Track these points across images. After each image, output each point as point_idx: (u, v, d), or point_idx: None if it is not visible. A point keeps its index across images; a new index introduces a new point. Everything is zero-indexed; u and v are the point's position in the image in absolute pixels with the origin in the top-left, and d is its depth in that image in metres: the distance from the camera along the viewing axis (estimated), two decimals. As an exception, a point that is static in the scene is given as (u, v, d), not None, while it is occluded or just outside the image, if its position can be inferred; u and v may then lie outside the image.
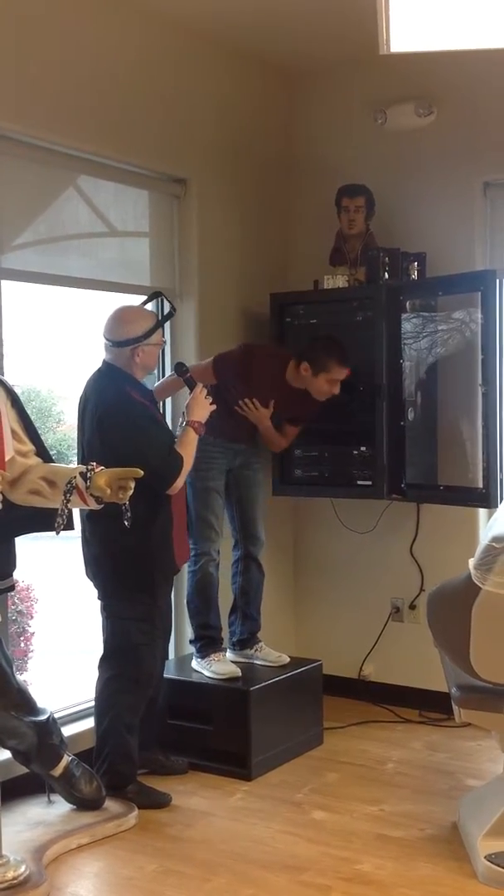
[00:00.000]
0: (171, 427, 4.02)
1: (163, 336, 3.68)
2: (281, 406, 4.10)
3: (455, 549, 4.11)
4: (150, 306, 3.73)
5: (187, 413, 3.66)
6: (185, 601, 4.13)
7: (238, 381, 3.99)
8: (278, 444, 4.26)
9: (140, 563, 3.54)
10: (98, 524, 3.50)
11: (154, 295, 3.72)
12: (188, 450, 3.59)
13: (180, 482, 3.54)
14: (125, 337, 3.52)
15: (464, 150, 4.43)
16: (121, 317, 3.56)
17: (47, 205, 3.83)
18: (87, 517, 3.52)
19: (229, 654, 4.19)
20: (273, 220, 4.78)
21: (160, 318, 3.64)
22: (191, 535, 3.96)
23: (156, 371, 3.99)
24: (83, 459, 3.56)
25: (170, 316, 3.69)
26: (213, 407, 3.67)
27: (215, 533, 4.04)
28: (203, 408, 3.65)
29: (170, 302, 3.74)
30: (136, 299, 3.79)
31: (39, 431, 3.23)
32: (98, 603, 3.68)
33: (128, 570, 3.56)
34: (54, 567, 6.57)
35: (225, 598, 4.18)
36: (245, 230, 4.49)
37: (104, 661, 3.66)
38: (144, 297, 3.73)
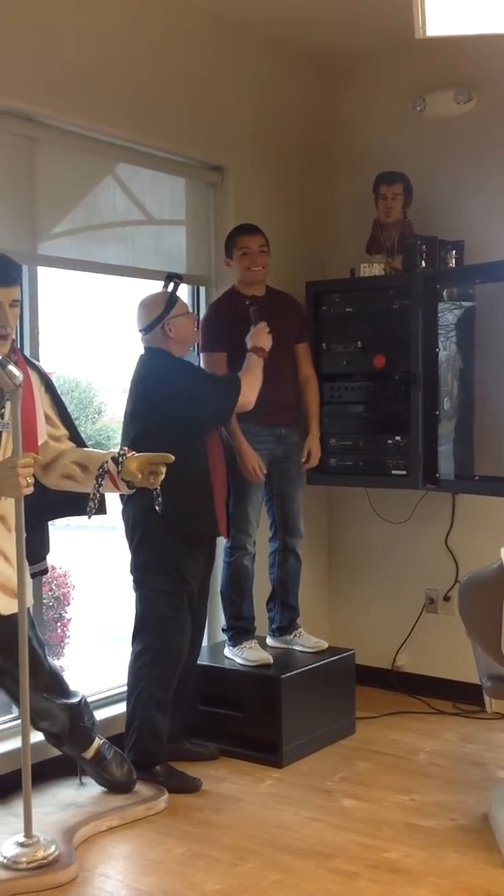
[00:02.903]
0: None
1: (188, 307, 3.81)
2: (272, 321, 3.99)
3: (491, 540, 4.06)
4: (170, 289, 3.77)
5: (248, 343, 3.81)
6: (217, 590, 4.15)
7: (220, 334, 3.97)
8: (308, 374, 4.23)
9: (166, 532, 3.56)
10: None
11: (168, 278, 3.74)
12: (250, 374, 3.74)
13: (245, 403, 3.66)
14: (150, 319, 3.67)
15: (503, 137, 4.38)
16: (141, 304, 3.73)
17: (85, 192, 3.85)
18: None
19: (269, 640, 4.22)
20: (310, 209, 4.76)
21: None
22: (229, 526, 3.97)
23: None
24: (125, 436, 3.65)
25: (176, 281, 3.72)
26: (270, 343, 3.81)
27: (253, 527, 4.05)
28: (264, 338, 3.82)
29: (176, 275, 3.78)
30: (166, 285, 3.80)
31: (79, 422, 3.26)
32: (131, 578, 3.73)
33: (154, 538, 3.60)
34: (92, 555, 6.64)
35: (261, 586, 4.19)
36: (282, 218, 4.48)
37: (135, 636, 3.70)
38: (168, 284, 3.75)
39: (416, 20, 2.94)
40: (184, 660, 3.70)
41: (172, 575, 3.64)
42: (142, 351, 3.75)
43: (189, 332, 3.74)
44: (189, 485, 3.51)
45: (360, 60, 4.72)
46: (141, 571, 3.68)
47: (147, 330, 3.69)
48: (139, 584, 3.70)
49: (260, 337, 3.83)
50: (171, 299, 3.68)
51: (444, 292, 4.28)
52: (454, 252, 4.36)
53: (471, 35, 3.16)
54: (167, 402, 3.59)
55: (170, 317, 3.66)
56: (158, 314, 3.66)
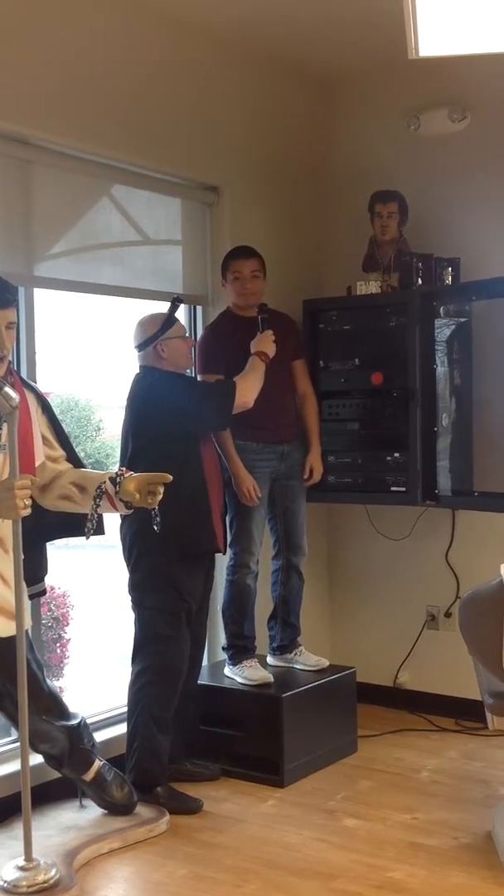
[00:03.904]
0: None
1: (186, 331, 3.84)
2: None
3: (491, 556, 4.05)
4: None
5: (252, 347, 3.84)
6: (218, 609, 4.14)
7: (217, 355, 3.98)
8: (306, 391, 4.24)
9: (162, 550, 3.55)
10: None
11: (173, 302, 3.76)
12: (250, 374, 3.77)
13: (243, 403, 3.67)
14: (144, 338, 3.71)
15: (498, 155, 4.40)
16: (139, 322, 3.75)
17: (80, 214, 3.86)
18: None
19: (269, 659, 4.21)
20: (306, 227, 4.78)
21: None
22: (231, 545, 3.97)
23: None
24: (123, 456, 3.67)
25: (176, 303, 3.74)
26: (274, 350, 3.85)
27: (256, 546, 4.04)
28: (269, 344, 3.87)
29: (179, 297, 3.81)
30: (165, 306, 3.82)
31: (78, 441, 3.26)
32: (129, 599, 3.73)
33: (151, 556, 3.60)
34: (90, 575, 6.62)
35: (262, 604, 4.18)
36: (278, 237, 4.50)
37: (134, 656, 3.69)
38: (167, 304, 3.78)
39: (409, 41, 2.95)
40: (183, 679, 3.69)
41: (170, 593, 3.63)
42: (137, 369, 3.77)
43: (182, 355, 3.75)
44: (184, 500, 3.50)
45: (354, 80, 4.75)
46: (138, 590, 3.68)
47: (140, 348, 3.72)
48: (137, 604, 3.69)
49: (265, 342, 3.87)
50: (168, 321, 3.70)
51: (441, 309, 4.29)
52: (450, 269, 4.37)
53: (464, 55, 3.19)
54: (164, 415, 3.60)
55: (164, 338, 3.68)
56: (152, 334, 3.69)
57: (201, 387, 3.90)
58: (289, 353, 4.13)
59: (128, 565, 3.69)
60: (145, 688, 3.61)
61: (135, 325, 3.75)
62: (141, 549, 3.62)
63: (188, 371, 3.95)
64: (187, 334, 3.89)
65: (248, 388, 3.72)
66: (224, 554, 3.93)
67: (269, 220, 4.53)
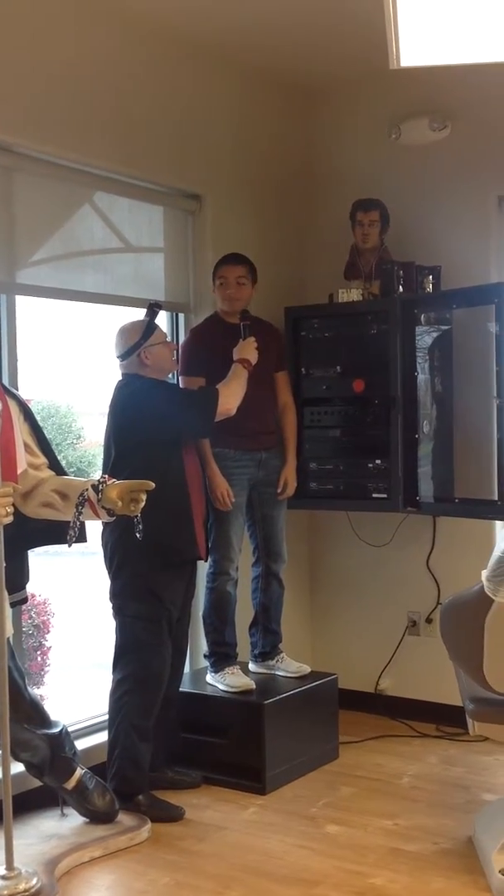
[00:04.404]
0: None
1: (167, 336, 3.85)
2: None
3: (472, 563, 4.06)
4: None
5: (235, 354, 3.85)
6: (200, 616, 4.14)
7: (199, 359, 3.99)
8: (287, 402, 4.24)
9: (144, 557, 3.55)
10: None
11: (151, 308, 3.76)
12: (232, 382, 3.77)
13: (225, 410, 3.68)
14: (127, 347, 3.71)
15: (478, 164, 4.44)
16: (119, 331, 3.76)
17: (63, 221, 3.86)
18: None
19: (251, 666, 4.21)
20: (288, 235, 4.80)
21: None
22: (211, 553, 3.98)
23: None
24: (106, 463, 3.67)
25: (155, 310, 3.74)
26: (256, 357, 3.86)
27: (235, 552, 4.04)
28: (251, 351, 3.87)
29: (156, 302, 3.82)
30: (143, 314, 3.82)
31: (60, 448, 3.26)
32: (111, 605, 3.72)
33: (132, 564, 3.59)
34: (71, 581, 6.60)
35: (243, 611, 4.18)
36: (260, 245, 4.51)
37: (115, 664, 3.69)
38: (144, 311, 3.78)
39: (390, 51, 2.97)
40: (165, 687, 3.68)
41: (151, 601, 3.63)
42: (119, 377, 3.77)
43: (165, 361, 3.76)
44: (166, 507, 3.50)
45: (336, 89, 4.78)
46: (119, 598, 3.67)
47: (123, 357, 3.73)
48: (118, 611, 3.69)
49: (247, 349, 3.88)
50: (149, 328, 3.71)
51: (422, 317, 4.31)
52: (431, 277, 4.40)
53: (445, 65, 3.21)
54: (146, 422, 3.61)
55: (147, 345, 3.69)
56: (135, 342, 3.69)
57: (184, 394, 3.90)
58: (271, 363, 4.14)
59: (109, 573, 3.69)
60: (126, 696, 3.61)
61: (115, 334, 3.76)
62: (122, 556, 3.62)
63: (172, 375, 3.96)
64: (168, 339, 3.89)
65: (230, 396, 3.73)
66: (206, 561, 3.94)
67: (251, 228, 4.54)
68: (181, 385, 4.04)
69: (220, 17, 3.98)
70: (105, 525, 3.55)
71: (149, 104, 4.05)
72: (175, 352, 3.90)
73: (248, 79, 4.55)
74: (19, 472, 3.11)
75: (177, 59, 4.18)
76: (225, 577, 4.02)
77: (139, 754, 3.59)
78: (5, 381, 3.45)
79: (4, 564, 2.94)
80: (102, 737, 3.79)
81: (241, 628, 4.16)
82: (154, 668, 3.62)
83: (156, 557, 3.58)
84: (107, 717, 3.71)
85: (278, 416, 4.23)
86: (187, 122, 4.24)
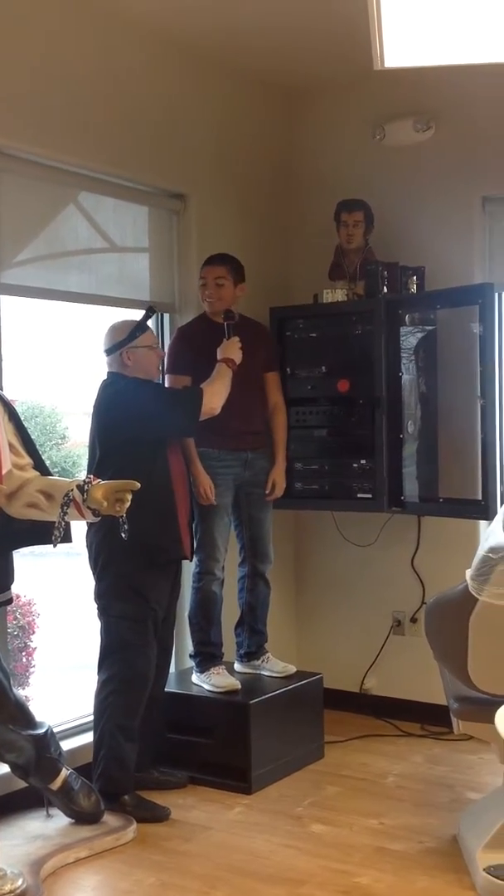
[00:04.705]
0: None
1: (157, 342, 3.84)
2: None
3: (456, 562, 4.07)
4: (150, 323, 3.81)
5: (219, 354, 3.84)
6: (186, 615, 4.14)
7: (186, 358, 3.98)
8: (277, 402, 4.23)
9: (128, 557, 3.54)
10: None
11: (147, 310, 3.77)
12: (217, 381, 3.77)
13: (209, 410, 3.68)
14: (111, 343, 3.72)
15: (462, 165, 4.45)
16: (110, 328, 3.76)
17: (48, 221, 3.86)
18: None
19: (237, 666, 4.21)
20: (272, 236, 4.80)
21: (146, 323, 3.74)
22: (196, 552, 3.98)
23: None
24: (91, 462, 3.66)
25: (149, 312, 3.75)
26: (240, 357, 3.85)
27: (221, 552, 4.04)
28: (235, 351, 3.86)
29: (152, 306, 3.82)
30: (135, 314, 3.83)
31: (44, 448, 3.25)
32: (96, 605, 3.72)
33: (117, 564, 3.59)
34: (56, 582, 6.59)
35: (230, 611, 4.19)
36: (244, 245, 4.51)
37: (100, 664, 3.68)
38: (142, 312, 3.77)
39: (374, 52, 2.98)
40: (150, 687, 3.68)
41: (136, 601, 3.62)
42: (105, 375, 3.76)
43: (149, 365, 3.74)
44: (151, 507, 3.48)
45: (320, 89, 4.79)
46: (104, 598, 3.67)
47: (108, 353, 3.73)
48: (103, 612, 3.68)
49: (231, 349, 3.87)
50: (137, 329, 3.70)
51: (406, 317, 4.33)
52: (415, 278, 4.41)
53: (429, 66, 3.22)
54: (130, 421, 3.60)
55: (131, 345, 3.68)
56: (119, 340, 3.69)
57: (168, 393, 3.90)
58: (259, 363, 4.14)
59: (94, 573, 3.68)
60: (111, 696, 3.60)
61: (105, 330, 3.75)
62: (107, 557, 3.62)
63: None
64: (157, 345, 3.87)
65: (214, 395, 3.73)
66: (191, 560, 3.94)
67: (236, 228, 4.54)
68: (167, 383, 4.04)
69: (204, 19, 3.99)
70: (90, 525, 3.54)
71: (133, 104, 4.05)
72: (162, 360, 3.88)
73: (233, 79, 4.56)
74: (4, 472, 3.10)
75: (161, 60, 4.18)
76: (210, 577, 4.02)
77: (125, 754, 3.59)
78: (-10, 382, 3.44)
79: (-11, 565, 2.93)
80: (88, 737, 3.78)
81: (226, 628, 4.17)
82: (139, 668, 3.62)
83: (140, 557, 3.57)
84: (92, 717, 3.71)
85: (268, 416, 4.23)
86: (172, 122, 4.23)
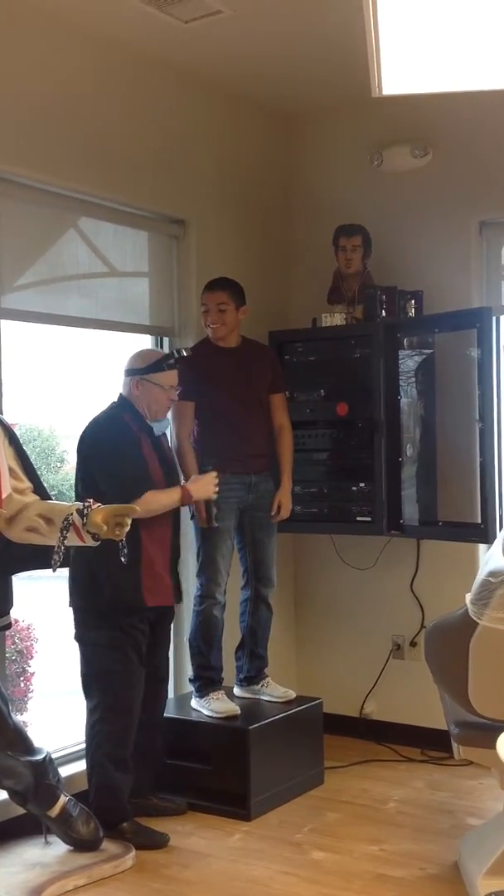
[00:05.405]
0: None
1: (176, 386, 3.72)
2: (243, 371, 4.06)
3: (455, 586, 4.08)
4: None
5: (189, 484, 3.71)
6: (185, 640, 4.12)
7: (189, 383, 3.89)
8: (283, 424, 4.20)
9: (97, 592, 3.53)
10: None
11: (177, 350, 3.76)
12: (163, 498, 3.59)
13: (142, 511, 3.30)
14: (129, 367, 3.71)
15: (459, 191, 4.49)
16: (137, 351, 3.77)
17: (48, 246, 3.88)
18: None
19: (236, 690, 4.19)
20: (272, 260, 4.83)
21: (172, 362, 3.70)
22: (198, 576, 3.96)
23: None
24: (76, 488, 3.65)
25: (174, 353, 3.73)
26: (215, 495, 3.73)
27: (223, 576, 4.02)
28: (207, 489, 3.71)
29: (183, 349, 3.79)
30: (135, 338, 3.85)
31: (42, 471, 3.25)
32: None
33: (88, 597, 3.58)
34: (55, 607, 6.55)
35: (231, 634, 4.17)
36: (244, 270, 4.53)
37: (84, 693, 3.65)
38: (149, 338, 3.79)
39: (372, 79, 3.01)
40: (137, 712, 3.60)
41: (108, 630, 3.56)
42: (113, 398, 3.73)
43: (154, 403, 3.66)
44: (109, 552, 3.19)
45: (319, 116, 4.83)
46: (78, 627, 3.64)
47: (125, 374, 3.72)
48: (79, 640, 3.65)
49: (202, 485, 3.70)
50: (159, 363, 3.66)
51: (405, 341, 4.35)
52: (413, 301, 4.44)
53: (426, 93, 3.26)
54: (86, 463, 3.60)
55: (145, 377, 3.65)
56: (136, 367, 3.68)
57: (119, 470, 3.56)
58: (263, 386, 4.14)
59: (70, 599, 3.65)
60: (97, 725, 3.57)
61: (136, 349, 3.78)
62: (78, 586, 3.60)
63: (165, 426, 3.83)
64: (174, 391, 3.73)
65: (151, 504, 3.49)
66: (172, 604, 3.77)
67: (236, 253, 4.57)
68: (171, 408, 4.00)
69: (204, 45, 4.02)
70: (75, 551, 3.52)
71: (133, 130, 4.08)
72: (171, 406, 3.78)
73: (233, 105, 4.60)
74: (4, 496, 3.10)
75: (161, 86, 4.21)
76: (211, 601, 4.00)
77: (115, 783, 3.55)
78: (-10, 406, 3.44)
79: (-12, 590, 2.93)
80: (85, 764, 3.75)
81: (227, 651, 4.15)
82: (122, 696, 3.57)
83: (103, 605, 3.54)
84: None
85: (273, 438, 4.21)
86: (172, 147, 4.27)
